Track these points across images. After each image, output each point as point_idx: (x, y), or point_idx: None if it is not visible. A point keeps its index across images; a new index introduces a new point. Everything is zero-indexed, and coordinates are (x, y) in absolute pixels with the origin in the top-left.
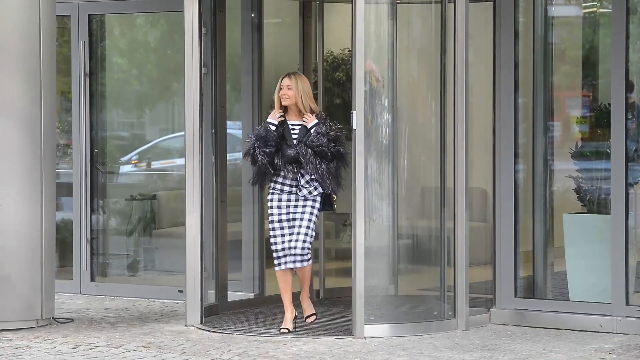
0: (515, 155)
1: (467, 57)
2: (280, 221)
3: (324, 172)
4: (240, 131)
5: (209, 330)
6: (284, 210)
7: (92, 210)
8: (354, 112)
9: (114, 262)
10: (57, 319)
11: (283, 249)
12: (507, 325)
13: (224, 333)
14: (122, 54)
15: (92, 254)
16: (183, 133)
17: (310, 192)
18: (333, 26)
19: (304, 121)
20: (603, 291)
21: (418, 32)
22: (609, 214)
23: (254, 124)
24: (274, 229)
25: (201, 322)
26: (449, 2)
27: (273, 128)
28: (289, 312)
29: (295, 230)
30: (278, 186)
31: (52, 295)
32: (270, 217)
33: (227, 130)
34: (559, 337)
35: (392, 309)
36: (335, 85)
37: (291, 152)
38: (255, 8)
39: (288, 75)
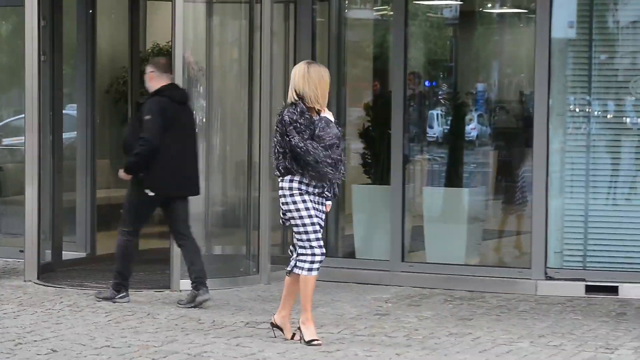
0: None
1: (271, 51)
2: (319, 223)
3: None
4: (75, 112)
5: (44, 285)
6: (313, 213)
7: None
8: None
9: None
10: None
11: (322, 254)
12: None
13: (58, 287)
14: None
15: None
16: None
17: (329, 192)
18: (160, 20)
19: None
20: (383, 250)
21: (230, 29)
22: (389, 185)
23: (87, 106)
24: (316, 231)
25: (38, 278)
26: (256, 2)
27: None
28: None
29: (320, 235)
30: (303, 187)
31: None
32: (309, 219)
33: (64, 111)
34: (345, 289)
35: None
36: None
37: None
38: (90, 4)
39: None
